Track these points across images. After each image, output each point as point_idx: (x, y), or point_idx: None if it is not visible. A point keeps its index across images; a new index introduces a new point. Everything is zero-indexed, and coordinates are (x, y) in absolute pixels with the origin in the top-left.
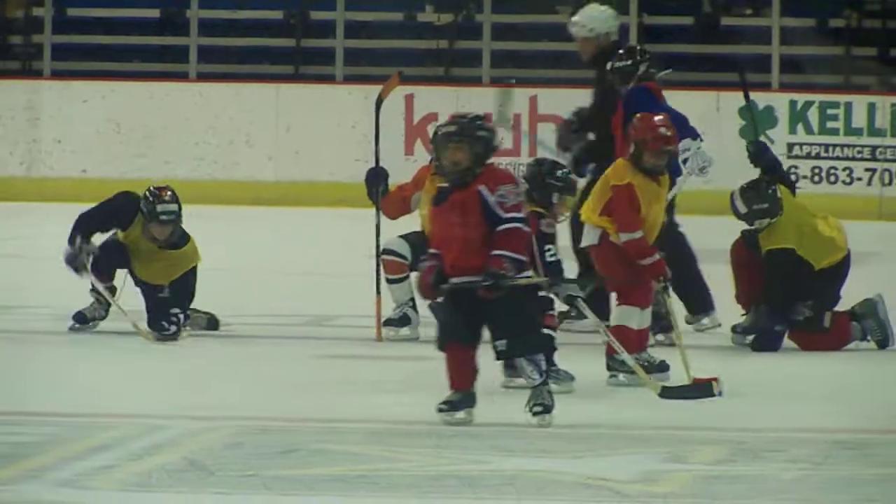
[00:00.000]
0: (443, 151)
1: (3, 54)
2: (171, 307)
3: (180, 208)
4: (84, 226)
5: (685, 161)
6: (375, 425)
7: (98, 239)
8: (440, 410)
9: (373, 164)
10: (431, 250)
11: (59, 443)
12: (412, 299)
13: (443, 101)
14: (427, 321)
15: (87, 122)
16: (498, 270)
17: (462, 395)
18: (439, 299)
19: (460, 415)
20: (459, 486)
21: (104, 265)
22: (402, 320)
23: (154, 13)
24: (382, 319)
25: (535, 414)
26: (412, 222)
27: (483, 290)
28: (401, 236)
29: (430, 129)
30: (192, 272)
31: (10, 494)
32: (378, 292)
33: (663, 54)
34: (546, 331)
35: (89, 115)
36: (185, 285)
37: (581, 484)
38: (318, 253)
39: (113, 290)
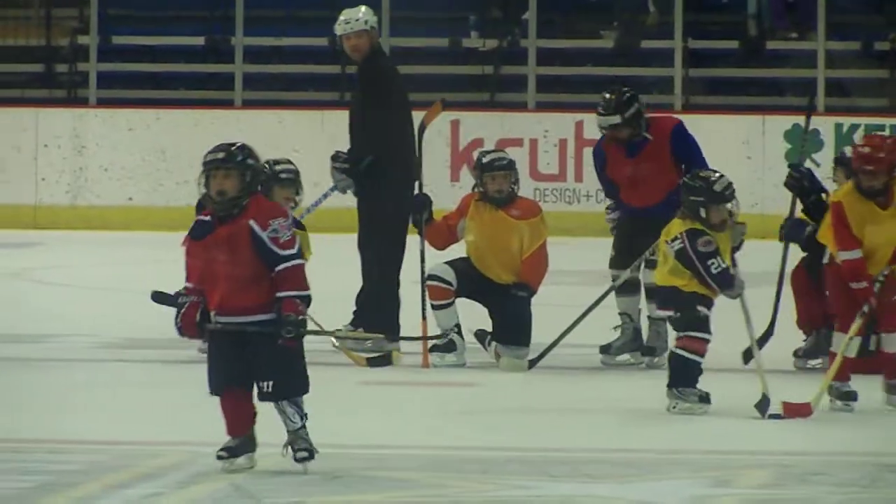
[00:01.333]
0: (209, 180)
1: (50, 82)
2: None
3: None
4: None
5: None
6: (422, 451)
7: None
8: (219, 458)
9: (417, 191)
10: (189, 285)
11: (106, 471)
12: (458, 325)
13: (488, 127)
14: (473, 347)
15: (132, 150)
16: (296, 317)
17: (240, 441)
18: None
19: (241, 461)
20: None
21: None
22: (448, 346)
23: (199, 41)
24: (429, 345)
25: (299, 459)
26: (457, 248)
27: (285, 340)
28: (446, 262)
29: (475, 155)
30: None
31: None
32: (424, 318)
33: (708, 78)
34: (691, 356)
35: (135, 142)
36: None
37: None
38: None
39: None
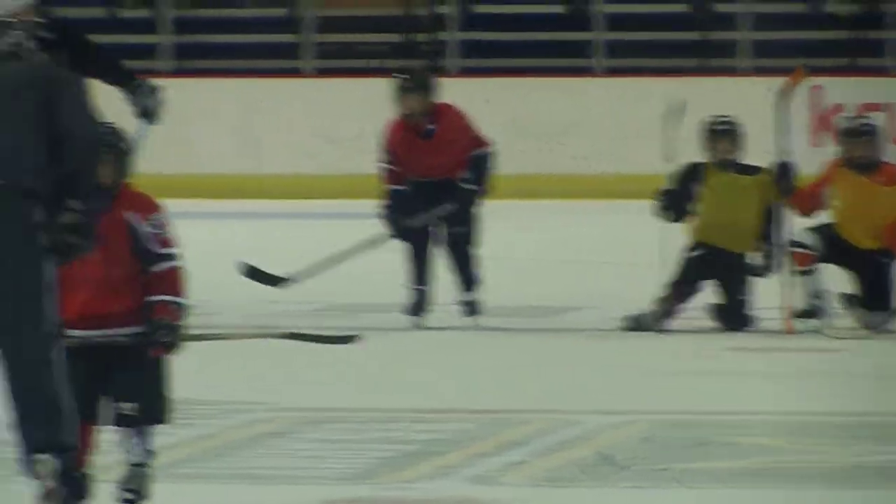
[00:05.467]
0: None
1: (409, 52)
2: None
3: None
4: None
5: None
6: (786, 417)
7: None
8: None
9: (779, 158)
10: None
11: (472, 439)
12: (823, 290)
13: (849, 93)
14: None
15: (492, 121)
16: (172, 322)
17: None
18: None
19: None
20: (871, 478)
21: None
22: (813, 312)
23: (559, 9)
24: (793, 311)
25: (123, 500)
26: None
27: (160, 348)
28: (810, 228)
29: (836, 122)
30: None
31: (420, 492)
32: (788, 284)
33: None
34: None
35: (494, 113)
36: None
37: None
38: None
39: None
